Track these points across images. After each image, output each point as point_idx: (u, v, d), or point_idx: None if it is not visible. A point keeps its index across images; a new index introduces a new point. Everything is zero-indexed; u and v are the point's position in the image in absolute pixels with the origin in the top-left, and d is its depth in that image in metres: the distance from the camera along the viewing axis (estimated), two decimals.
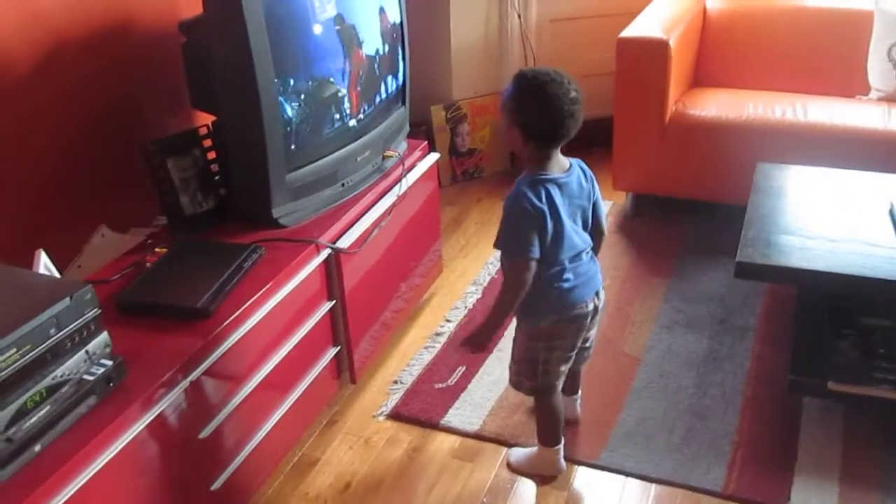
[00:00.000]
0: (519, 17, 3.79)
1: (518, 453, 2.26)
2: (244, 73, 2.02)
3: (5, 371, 1.38)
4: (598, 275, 2.08)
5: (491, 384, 2.52)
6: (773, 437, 2.29)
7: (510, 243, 1.92)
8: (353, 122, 2.43)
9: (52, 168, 2.17)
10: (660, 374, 2.55)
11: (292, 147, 2.21)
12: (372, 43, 2.48)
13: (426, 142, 2.87)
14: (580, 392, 2.37)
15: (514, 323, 2.11)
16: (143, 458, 1.66)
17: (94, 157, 2.28)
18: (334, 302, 2.30)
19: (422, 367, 2.63)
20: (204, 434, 1.82)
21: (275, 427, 2.09)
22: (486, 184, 3.88)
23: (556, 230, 1.90)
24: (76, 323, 1.52)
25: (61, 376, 1.50)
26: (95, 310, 1.56)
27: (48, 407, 1.47)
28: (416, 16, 2.80)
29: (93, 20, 2.23)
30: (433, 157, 2.83)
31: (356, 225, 2.36)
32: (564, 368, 2.10)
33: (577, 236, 1.97)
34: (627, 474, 2.20)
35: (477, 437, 2.35)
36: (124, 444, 1.57)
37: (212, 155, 2.31)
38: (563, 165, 1.95)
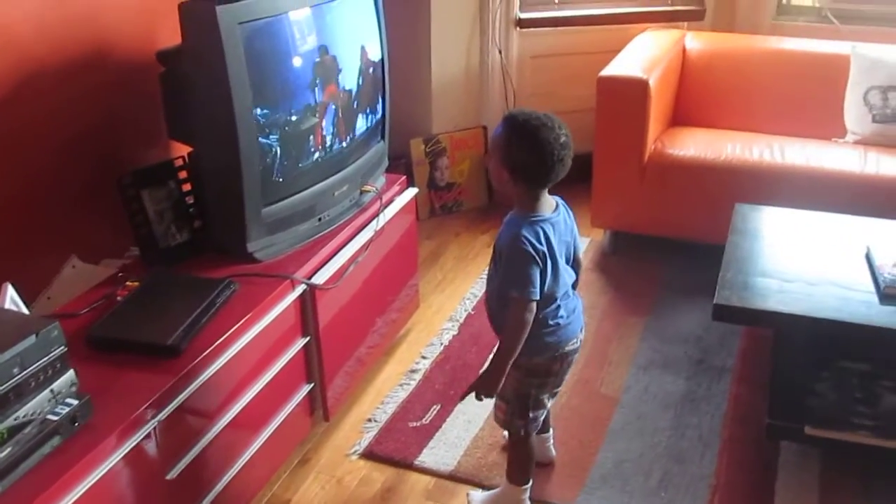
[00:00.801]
0: (500, 52, 3.80)
1: (478, 497, 2.22)
2: (222, 104, 2.00)
3: None
4: (582, 309, 2.09)
5: (466, 423, 2.48)
6: (750, 481, 2.27)
7: (514, 286, 1.90)
8: (331, 156, 2.41)
9: (23, 196, 2.12)
10: (637, 415, 2.53)
11: (269, 180, 2.18)
12: (352, 76, 2.46)
13: (405, 176, 2.85)
14: (552, 430, 2.34)
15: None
16: (108, 499, 1.61)
17: (67, 185, 2.24)
18: (308, 338, 2.26)
19: (396, 404, 2.59)
20: (172, 475, 1.77)
21: (245, 466, 2.04)
22: (465, 218, 3.86)
23: (554, 269, 1.92)
24: (41, 361, 1.48)
25: (24, 416, 1.45)
26: (62, 347, 1.52)
27: (9, 448, 1.43)
28: (396, 49, 2.79)
29: (69, 47, 2.20)
30: (411, 191, 2.81)
31: (332, 260, 2.33)
32: (550, 404, 2.10)
33: (566, 273, 1.99)
34: None
35: (451, 477, 2.31)
36: (89, 485, 1.52)
37: (187, 186, 2.28)
38: (551, 204, 1.96)
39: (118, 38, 2.35)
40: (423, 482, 2.30)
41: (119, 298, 2.00)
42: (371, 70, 2.56)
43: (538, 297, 1.89)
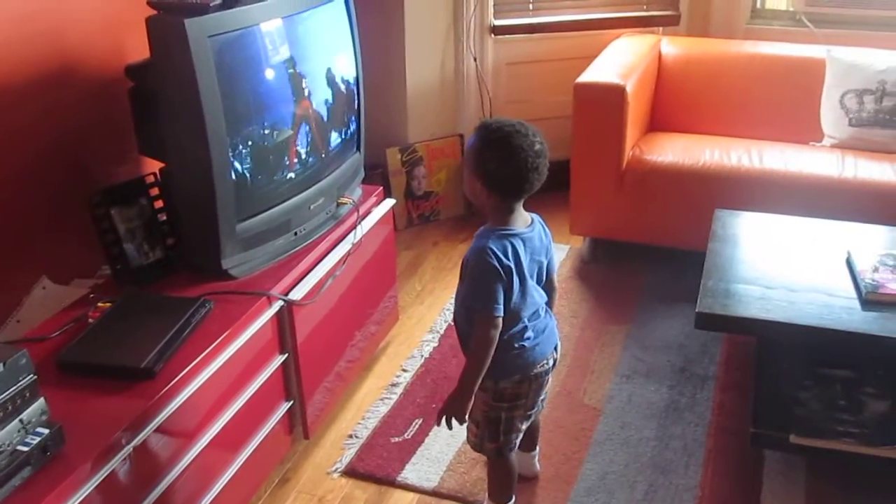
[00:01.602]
0: (475, 59, 3.78)
1: None
2: (193, 118, 1.96)
3: None
4: (556, 329, 2.03)
5: (449, 438, 2.44)
6: (735, 490, 2.26)
7: (476, 301, 1.85)
8: (306, 169, 2.37)
9: None
10: (621, 425, 2.50)
11: (243, 195, 2.14)
12: (325, 87, 2.42)
13: (381, 187, 2.82)
14: (538, 448, 2.31)
15: None
16: None
17: (35, 204, 2.19)
18: (287, 355, 2.22)
19: (377, 420, 2.55)
20: (147, 502, 1.72)
21: (224, 488, 1.99)
22: (443, 227, 3.83)
23: (521, 287, 1.86)
24: (9, 391, 1.43)
25: None
26: (31, 376, 1.47)
27: None
28: (371, 58, 2.76)
29: (36, 62, 2.15)
30: (389, 202, 2.77)
31: (310, 275, 2.29)
32: (525, 426, 2.04)
33: (536, 293, 1.93)
34: None
35: (435, 494, 2.27)
36: None
37: (159, 204, 2.23)
38: (525, 220, 1.91)
39: (86, 53, 2.29)
40: (407, 499, 2.26)
41: (91, 320, 1.94)
42: (345, 80, 2.53)
43: (502, 314, 1.83)
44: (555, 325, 2.03)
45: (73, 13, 2.25)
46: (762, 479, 2.28)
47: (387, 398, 2.65)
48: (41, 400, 1.51)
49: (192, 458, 1.86)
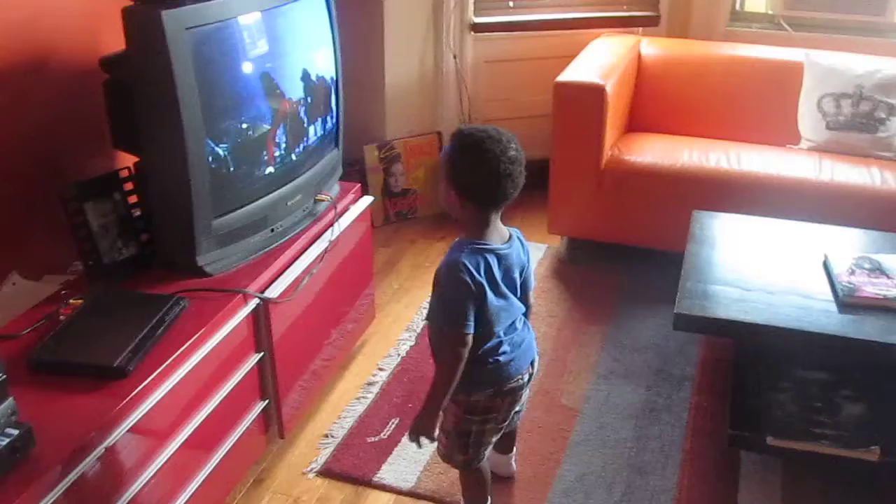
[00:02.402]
0: (454, 57, 3.76)
1: None
2: (169, 112, 1.92)
3: None
4: (534, 342, 2.00)
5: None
6: (712, 492, 2.26)
7: (445, 317, 1.81)
8: (283, 165, 2.34)
9: None
10: (598, 426, 2.50)
11: (219, 191, 2.10)
12: (304, 84, 2.39)
13: (359, 184, 2.79)
14: (515, 449, 2.29)
15: None
16: None
17: (5, 198, 2.14)
18: (262, 354, 2.19)
19: (354, 419, 2.52)
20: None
21: (198, 489, 1.96)
22: (421, 224, 3.81)
23: (494, 304, 1.81)
24: None
25: None
26: (0, 375, 1.43)
27: None
28: (350, 54, 2.73)
29: (8, 53, 2.09)
30: (366, 199, 2.74)
31: (286, 272, 2.26)
32: (495, 439, 2.02)
33: (512, 308, 1.89)
34: None
35: (412, 494, 2.26)
36: None
37: (133, 199, 2.19)
38: (503, 235, 1.86)
39: (60, 44, 2.24)
40: (383, 500, 2.24)
41: (62, 317, 1.90)
42: (324, 76, 2.50)
43: (472, 331, 1.78)
44: (533, 338, 1.99)
45: (46, 2, 2.20)
46: (739, 480, 2.29)
47: (363, 397, 2.63)
48: (10, 400, 1.48)
49: (165, 458, 1.83)
